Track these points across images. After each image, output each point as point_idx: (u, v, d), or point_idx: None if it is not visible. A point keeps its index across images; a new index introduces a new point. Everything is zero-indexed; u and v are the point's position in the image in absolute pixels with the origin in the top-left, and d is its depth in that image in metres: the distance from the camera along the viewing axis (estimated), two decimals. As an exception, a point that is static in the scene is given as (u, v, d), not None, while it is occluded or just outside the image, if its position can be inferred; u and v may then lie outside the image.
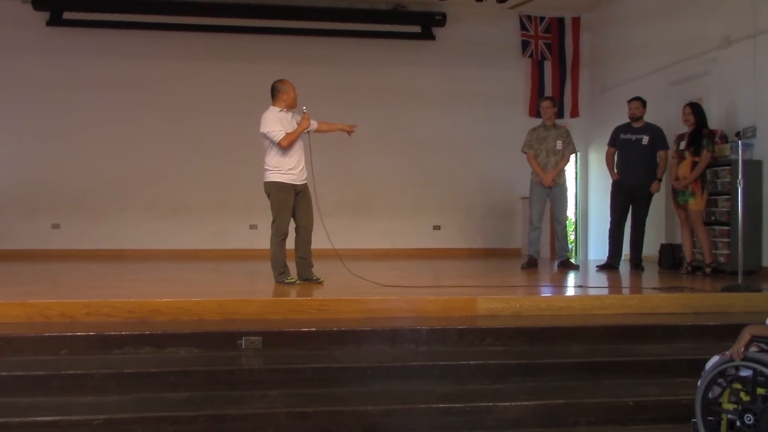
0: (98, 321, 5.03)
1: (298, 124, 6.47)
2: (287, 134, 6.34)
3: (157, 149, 10.80)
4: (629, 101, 8.37)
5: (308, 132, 6.60)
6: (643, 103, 8.31)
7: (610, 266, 8.36)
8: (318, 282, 6.52)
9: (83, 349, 4.62)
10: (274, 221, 6.48)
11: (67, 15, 10.51)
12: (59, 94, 10.62)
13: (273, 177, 6.45)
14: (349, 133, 6.90)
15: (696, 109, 7.66)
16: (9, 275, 7.85)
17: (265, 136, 6.41)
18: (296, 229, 6.58)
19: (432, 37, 11.22)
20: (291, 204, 6.48)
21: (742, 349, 3.41)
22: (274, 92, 6.54)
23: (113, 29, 10.64)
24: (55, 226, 10.63)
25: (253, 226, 10.62)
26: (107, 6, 10.45)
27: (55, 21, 10.50)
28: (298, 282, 6.48)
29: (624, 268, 8.43)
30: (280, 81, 6.58)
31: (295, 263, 6.60)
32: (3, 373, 4.22)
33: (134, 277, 7.55)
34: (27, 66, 10.57)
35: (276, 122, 6.38)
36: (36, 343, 4.62)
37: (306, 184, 6.59)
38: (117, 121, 10.70)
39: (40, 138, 10.58)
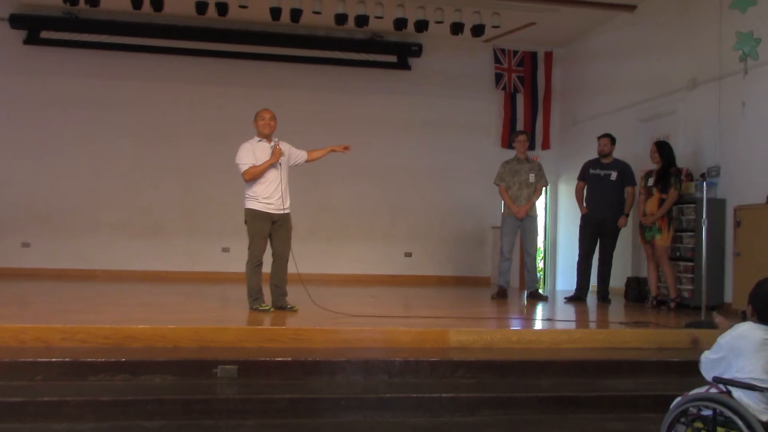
0: (73, 347, 5.04)
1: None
2: (252, 167, 6.44)
3: (130, 170, 10.78)
4: (599, 138, 8.59)
5: (280, 166, 6.61)
6: (612, 140, 8.54)
7: (577, 298, 8.53)
8: (292, 310, 6.57)
9: (58, 376, 4.64)
10: (249, 248, 6.56)
11: (44, 34, 10.51)
12: (34, 113, 10.58)
13: (249, 204, 6.56)
14: (344, 151, 6.92)
15: (661, 148, 7.90)
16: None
17: (236, 166, 6.56)
18: (272, 256, 6.65)
19: (408, 67, 11.41)
20: (266, 232, 6.56)
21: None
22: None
23: (90, 50, 10.64)
24: (25, 245, 10.54)
25: (225, 249, 10.63)
26: (85, 27, 10.46)
27: (32, 40, 10.48)
28: (272, 309, 6.53)
29: (591, 300, 8.61)
30: (259, 110, 6.71)
31: (269, 290, 6.66)
32: (-22, 400, 4.23)
33: (108, 301, 7.52)
34: (1, 83, 10.51)
35: (248, 154, 6.50)
36: (10, 369, 4.63)
37: (287, 214, 6.65)
38: (90, 140, 10.69)
39: (12, 156, 10.50)
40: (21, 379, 4.58)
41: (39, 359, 4.72)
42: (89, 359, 4.74)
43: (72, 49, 10.62)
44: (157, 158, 10.83)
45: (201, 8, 9.43)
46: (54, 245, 10.56)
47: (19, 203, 10.52)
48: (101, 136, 10.72)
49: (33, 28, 10.48)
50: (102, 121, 10.73)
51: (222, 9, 9.43)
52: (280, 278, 6.65)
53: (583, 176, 8.70)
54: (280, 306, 6.61)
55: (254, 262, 6.53)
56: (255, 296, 6.55)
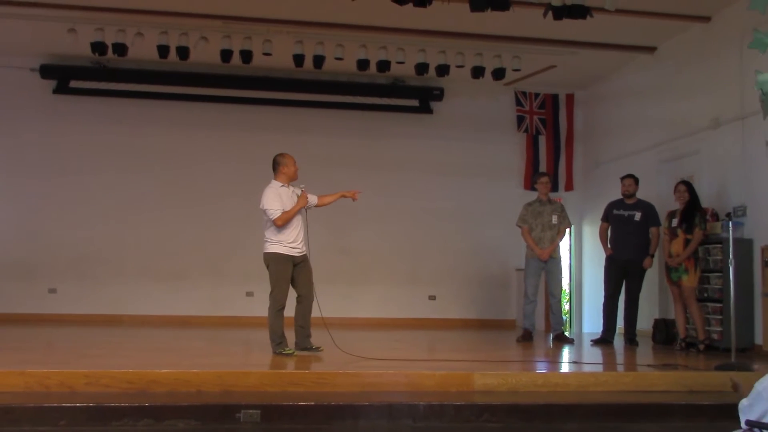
0: (97, 391, 5.05)
1: (297, 200, 6.62)
2: (284, 213, 6.49)
3: (155, 216, 10.90)
4: (622, 178, 8.56)
5: (307, 209, 6.76)
6: (636, 180, 8.51)
7: (604, 340, 8.41)
8: (317, 351, 6.58)
9: (82, 421, 4.63)
10: (272, 292, 6.57)
11: (73, 83, 10.75)
12: (61, 160, 10.78)
13: (272, 248, 6.59)
14: (353, 198, 6.99)
15: (690, 187, 7.86)
16: (6, 341, 7.85)
17: (264, 212, 6.57)
18: (297, 299, 6.70)
19: (430, 111, 11.49)
20: (289, 275, 6.59)
21: None
22: (275, 166, 6.72)
23: (117, 98, 10.87)
24: (52, 291, 10.64)
25: (249, 293, 10.65)
26: (113, 76, 10.69)
27: (61, 89, 10.73)
28: (295, 353, 6.51)
29: (618, 342, 8.49)
30: (281, 155, 6.76)
31: (294, 332, 6.68)
32: (2, 445, 4.25)
33: (132, 345, 7.56)
34: (32, 132, 10.73)
35: (275, 199, 6.54)
36: (35, 414, 4.64)
37: (306, 255, 6.71)
38: (116, 187, 10.85)
39: (39, 203, 10.69)
40: (45, 424, 4.58)
41: (63, 404, 4.72)
42: (113, 404, 4.74)
43: (100, 98, 10.86)
44: (182, 204, 10.95)
45: (226, 56, 9.62)
46: (80, 291, 10.66)
47: (46, 250, 10.65)
48: (127, 182, 10.88)
49: (62, 77, 10.73)
50: (128, 168, 10.89)
51: (246, 57, 9.62)
52: (305, 320, 6.68)
53: (607, 217, 8.66)
54: (305, 347, 6.62)
55: (277, 306, 6.54)
56: (278, 340, 6.55)
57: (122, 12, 8.87)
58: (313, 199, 6.88)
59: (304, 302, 6.66)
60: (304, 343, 6.64)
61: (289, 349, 6.52)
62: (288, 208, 6.54)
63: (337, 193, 7.05)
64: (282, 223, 6.49)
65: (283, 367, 5.85)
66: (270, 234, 6.59)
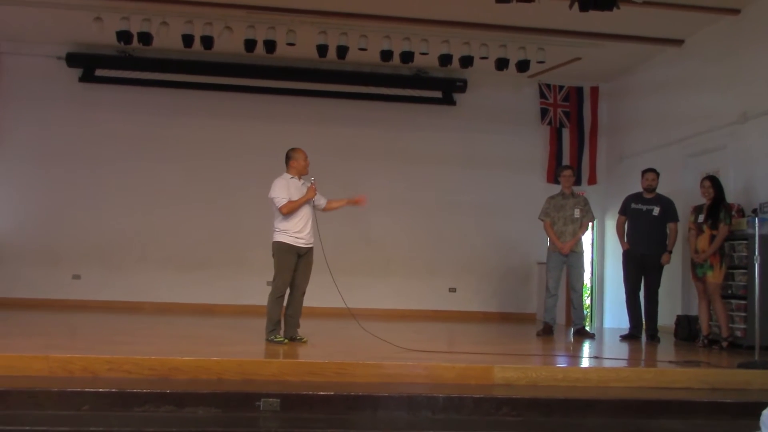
0: (120, 377, 5.10)
1: (306, 192, 6.75)
2: (290, 202, 6.62)
3: (178, 204, 10.98)
4: (644, 172, 8.48)
5: (313, 204, 6.85)
6: (658, 174, 8.42)
7: (632, 336, 8.36)
8: (302, 341, 6.73)
9: (105, 406, 4.67)
10: (273, 279, 6.77)
11: (99, 72, 10.84)
12: (86, 148, 10.87)
13: (279, 237, 6.78)
14: (361, 204, 7.06)
15: (716, 183, 7.76)
16: (31, 326, 7.96)
17: (271, 200, 6.72)
18: (290, 287, 6.85)
19: (453, 103, 11.45)
20: (293, 265, 6.76)
21: None
22: (287, 159, 6.92)
23: (142, 87, 10.93)
24: (76, 277, 10.75)
25: (270, 283, 10.65)
26: (137, 65, 10.76)
27: (87, 77, 10.82)
28: (286, 342, 6.65)
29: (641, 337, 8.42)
30: (293, 149, 6.95)
31: (283, 320, 6.86)
32: (26, 428, 4.28)
33: (154, 332, 7.65)
34: (57, 120, 10.85)
35: (283, 189, 6.70)
36: (59, 398, 4.68)
37: (311, 248, 6.83)
38: (140, 175, 10.93)
39: (64, 190, 10.80)
40: (68, 408, 4.63)
41: (86, 389, 4.77)
42: (135, 390, 4.78)
43: (125, 87, 10.93)
44: (205, 193, 11.01)
45: (250, 46, 9.64)
46: (103, 278, 10.76)
47: (71, 236, 10.77)
48: (151, 170, 10.96)
49: (88, 66, 10.83)
50: (152, 157, 10.97)
51: (270, 47, 9.64)
52: (294, 309, 6.88)
53: (625, 211, 8.59)
54: (291, 336, 6.80)
55: (278, 294, 6.76)
56: (272, 327, 6.74)
57: (147, 1, 8.93)
58: (321, 200, 6.98)
59: (296, 293, 6.86)
60: (290, 332, 6.83)
61: (280, 338, 6.68)
62: (295, 199, 6.68)
63: (344, 200, 7.14)
64: (287, 212, 6.65)
65: (304, 357, 5.88)
66: (277, 223, 6.77)
